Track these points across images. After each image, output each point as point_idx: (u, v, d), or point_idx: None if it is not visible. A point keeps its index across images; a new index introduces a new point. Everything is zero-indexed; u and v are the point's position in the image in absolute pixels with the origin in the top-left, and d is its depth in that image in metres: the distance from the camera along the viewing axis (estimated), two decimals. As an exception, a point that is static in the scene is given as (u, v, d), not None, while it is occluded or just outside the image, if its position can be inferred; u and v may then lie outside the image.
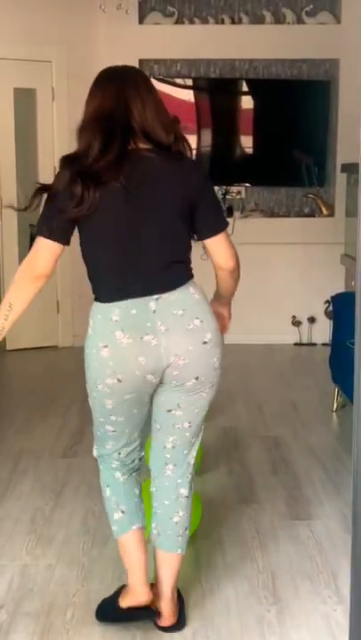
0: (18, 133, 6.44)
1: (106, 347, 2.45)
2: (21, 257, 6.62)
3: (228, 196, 6.74)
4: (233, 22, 6.72)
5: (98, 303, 2.50)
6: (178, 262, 2.49)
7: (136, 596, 2.59)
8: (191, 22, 6.71)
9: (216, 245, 2.55)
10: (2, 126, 6.38)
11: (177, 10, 6.70)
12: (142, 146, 2.43)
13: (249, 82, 6.85)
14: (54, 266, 2.50)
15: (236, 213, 6.78)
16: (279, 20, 6.71)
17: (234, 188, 6.78)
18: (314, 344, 6.87)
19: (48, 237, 2.45)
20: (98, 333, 2.48)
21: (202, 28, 6.70)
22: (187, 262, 2.54)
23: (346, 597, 2.73)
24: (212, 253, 2.56)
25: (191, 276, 2.54)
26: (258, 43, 6.63)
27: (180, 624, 2.63)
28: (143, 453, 2.69)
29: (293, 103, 6.74)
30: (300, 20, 6.70)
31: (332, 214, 6.81)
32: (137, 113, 2.42)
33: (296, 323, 6.91)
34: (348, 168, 6.35)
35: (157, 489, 2.66)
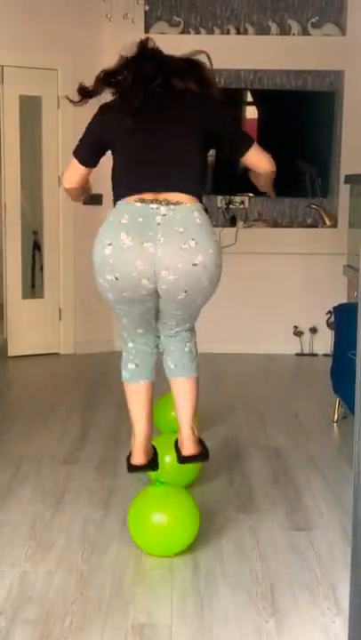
0: (23, 141, 6.47)
1: (110, 244, 2.80)
2: (24, 262, 6.67)
3: (231, 206, 6.77)
4: (238, 33, 6.75)
5: (114, 207, 2.89)
6: (189, 172, 2.90)
7: (135, 458, 3.10)
8: (197, 32, 6.74)
9: (253, 158, 3.00)
10: (7, 133, 6.40)
11: (183, 20, 6.73)
12: (178, 84, 2.97)
13: (254, 92, 6.88)
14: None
15: (240, 223, 6.80)
16: (285, 31, 6.74)
17: (237, 198, 6.80)
18: (315, 354, 6.87)
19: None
20: (105, 232, 2.85)
21: (207, 39, 6.72)
22: (197, 179, 2.93)
23: (345, 609, 2.72)
24: (254, 165, 3.03)
25: (199, 201, 2.90)
26: (263, 53, 6.66)
27: (203, 455, 3.12)
28: (160, 340, 3.11)
29: (298, 114, 6.76)
30: (305, 32, 6.73)
31: (335, 225, 6.82)
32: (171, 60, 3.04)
33: (298, 333, 6.92)
34: (352, 179, 6.36)
35: (171, 337, 3.10)
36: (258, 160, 2.99)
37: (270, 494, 3.82)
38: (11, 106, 6.39)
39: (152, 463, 3.15)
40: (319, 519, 3.55)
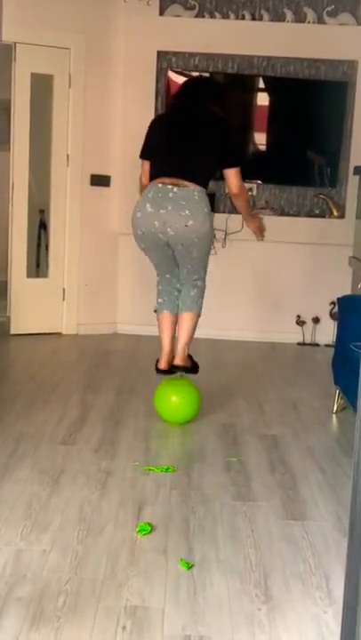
0: (33, 119, 6.43)
1: (140, 212, 4.35)
2: (30, 241, 6.66)
3: (239, 193, 6.73)
4: (253, 19, 6.71)
5: (147, 187, 4.38)
6: (199, 171, 4.32)
7: (161, 364, 4.53)
8: (212, 16, 6.70)
9: (227, 176, 4.45)
10: (18, 111, 6.38)
11: (198, 3, 6.68)
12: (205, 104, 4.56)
13: (266, 79, 6.84)
14: None
15: (247, 210, 6.76)
16: (300, 18, 6.69)
17: (245, 185, 6.75)
18: (317, 344, 6.87)
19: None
20: (139, 205, 4.37)
21: (222, 23, 6.68)
22: (204, 178, 4.36)
23: (337, 599, 2.74)
24: (226, 181, 4.49)
25: (203, 189, 4.33)
26: (277, 40, 6.62)
27: (190, 368, 4.58)
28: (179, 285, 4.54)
29: (309, 103, 6.73)
30: (320, 20, 6.69)
31: (342, 216, 6.80)
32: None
33: (300, 322, 6.92)
34: (361, 170, 6.34)
35: (185, 284, 4.53)
36: (231, 177, 4.42)
37: (267, 483, 3.83)
38: (22, 84, 6.36)
39: (171, 369, 4.53)
40: (315, 509, 3.56)
